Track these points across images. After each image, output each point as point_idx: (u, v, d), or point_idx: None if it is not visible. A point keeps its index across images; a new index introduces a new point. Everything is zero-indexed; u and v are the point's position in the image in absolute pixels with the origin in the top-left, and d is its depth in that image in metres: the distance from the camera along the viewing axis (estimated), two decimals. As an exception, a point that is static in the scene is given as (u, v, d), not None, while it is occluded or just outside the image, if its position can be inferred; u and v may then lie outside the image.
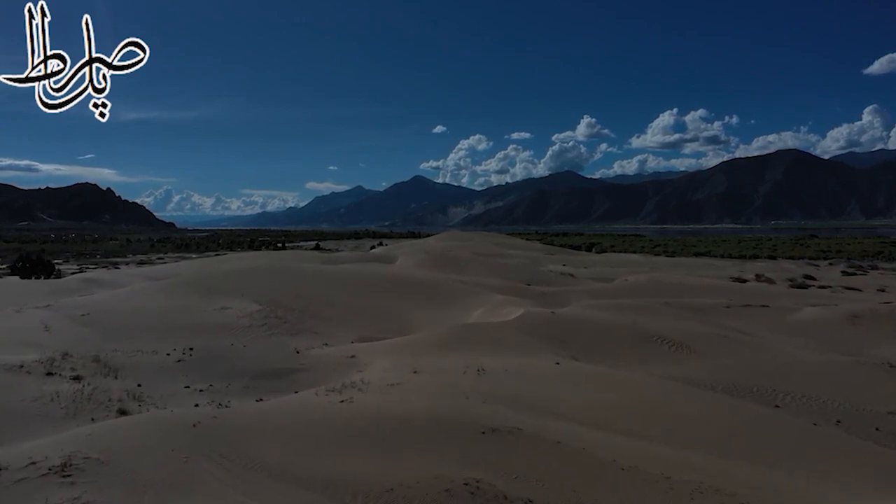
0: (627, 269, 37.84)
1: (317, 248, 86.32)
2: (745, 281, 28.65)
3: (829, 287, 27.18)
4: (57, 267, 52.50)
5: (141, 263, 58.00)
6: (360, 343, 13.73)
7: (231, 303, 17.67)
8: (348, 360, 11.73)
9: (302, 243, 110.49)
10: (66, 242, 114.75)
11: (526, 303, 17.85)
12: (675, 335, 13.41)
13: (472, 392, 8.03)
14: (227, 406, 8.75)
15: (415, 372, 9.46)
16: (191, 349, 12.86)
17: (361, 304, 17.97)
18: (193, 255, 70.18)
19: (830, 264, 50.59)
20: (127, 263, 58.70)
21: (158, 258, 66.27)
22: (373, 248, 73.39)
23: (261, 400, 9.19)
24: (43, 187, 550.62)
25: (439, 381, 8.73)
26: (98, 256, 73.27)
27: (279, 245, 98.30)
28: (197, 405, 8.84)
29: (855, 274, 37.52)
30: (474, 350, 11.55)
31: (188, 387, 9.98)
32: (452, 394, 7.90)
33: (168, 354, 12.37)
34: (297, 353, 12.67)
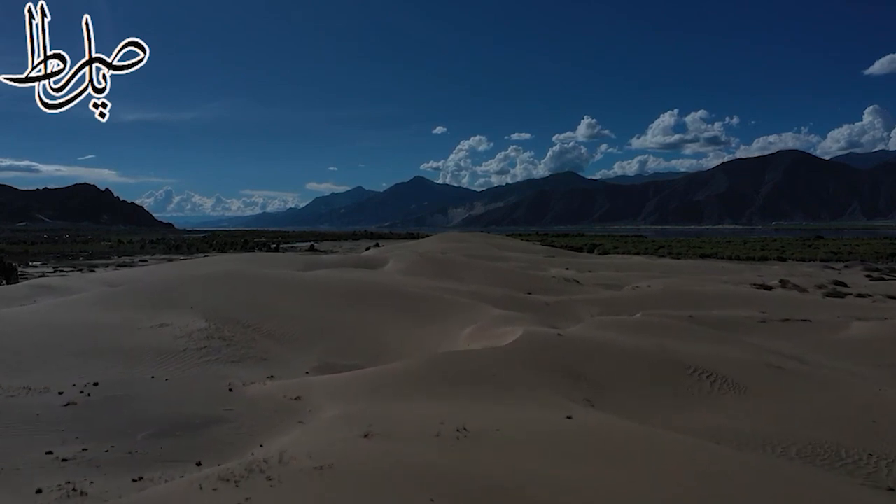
0: (636, 273, 35.03)
1: (311, 249, 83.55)
2: (770, 288, 25.74)
3: (869, 296, 24.26)
4: (32, 270, 49.85)
5: (122, 265, 55.19)
6: (316, 375, 10.85)
7: (174, 318, 14.79)
8: (290, 405, 8.86)
9: (297, 244, 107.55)
10: (56, 243, 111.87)
11: (526, 318, 14.95)
12: (714, 365, 10.53)
13: (443, 485, 5.16)
14: (81, 493, 5.91)
15: (366, 436, 6.58)
16: (95, 384, 10.00)
17: (330, 320, 15.08)
18: (181, 257, 67.35)
19: (846, 266, 47.72)
20: (106, 266, 55.80)
21: (141, 261, 63.29)
22: (368, 249, 70.55)
23: (140, 479, 6.34)
24: (41, 188, 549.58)
25: (396, 458, 5.85)
26: (81, 258, 70.38)
27: (273, 246, 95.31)
28: (39, 491, 5.99)
29: (882, 279, 34.61)
30: (458, 391, 8.68)
31: (50, 452, 7.09)
32: (410, 490, 5.04)
33: (61, 393, 9.51)
34: (230, 390, 9.80)
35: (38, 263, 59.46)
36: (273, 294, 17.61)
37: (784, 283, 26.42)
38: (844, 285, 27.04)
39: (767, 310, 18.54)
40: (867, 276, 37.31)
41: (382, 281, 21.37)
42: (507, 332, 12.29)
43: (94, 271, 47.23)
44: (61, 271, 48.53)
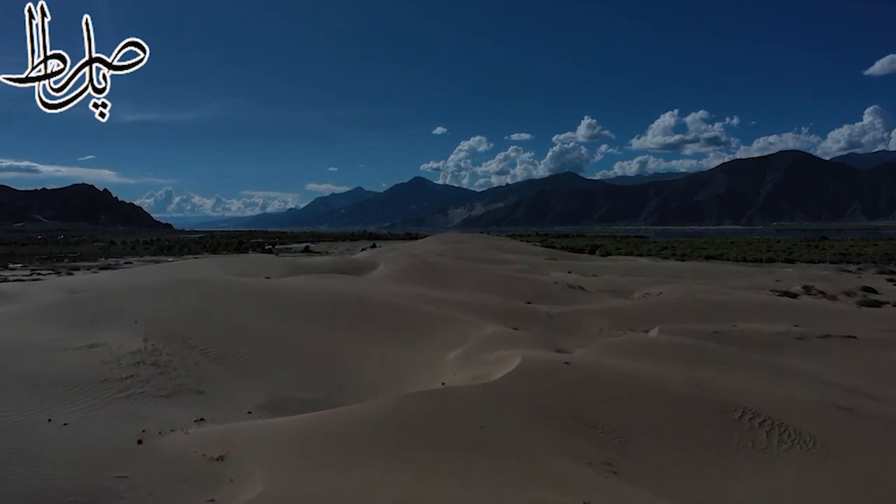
0: (642, 277, 32.68)
1: (306, 250, 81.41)
2: (794, 295, 23.43)
3: (908, 305, 21.96)
4: (7, 272, 47.56)
5: (105, 268, 52.88)
6: (259, 417, 8.56)
7: (110, 336, 12.50)
8: (208, 469, 6.58)
9: (293, 245, 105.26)
10: (47, 244, 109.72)
11: (525, 338, 12.66)
12: (767, 407, 8.23)
13: None
14: None
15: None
16: (-34, 434, 7.76)
17: (294, 340, 12.78)
18: (170, 259, 65.15)
19: (860, 269, 45.47)
20: (89, 268, 53.46)
21: (126, 262, 60.95)
22: (363, 250, 68.29)
23: None
24: (40, 188, 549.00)
25: None
26: (66, 260, 68.10)
27: (268, 247, 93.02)
28: None
29: (907, 283, 32.26)
30: (429, 457, 6.39)
31: None
32: None
33: (-86, 448, 7.26)
34: (139, 442, 7.53)
35: (19, 265, 57.10)
36: (236, 306, 15.34)
37: (808, 290, 24.11)
38: (875, 292, 24.73)
39: (800, 323, 16.26)
40: (889, 280, 35.00)
41: (364, 290, 19.07)
42: (502, 358, 10.01)
43: (72, 274, 44.92)
44: (38, 273, 46.13)
